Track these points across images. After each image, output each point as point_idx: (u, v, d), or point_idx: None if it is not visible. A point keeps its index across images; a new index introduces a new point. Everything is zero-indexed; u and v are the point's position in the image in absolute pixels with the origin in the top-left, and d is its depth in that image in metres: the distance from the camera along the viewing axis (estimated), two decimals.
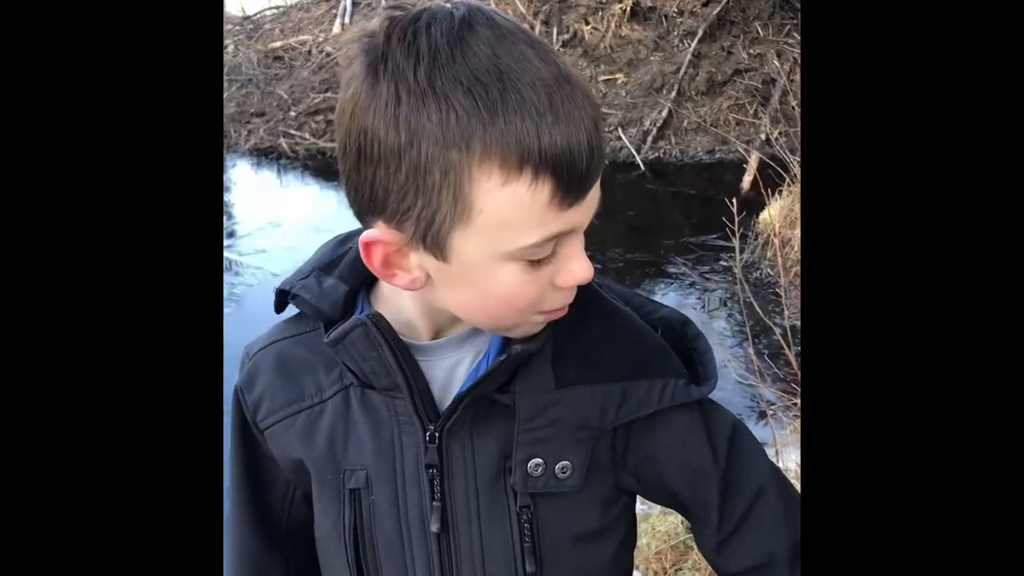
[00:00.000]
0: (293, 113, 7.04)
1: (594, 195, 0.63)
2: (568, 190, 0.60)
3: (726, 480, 0.77)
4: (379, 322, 0.70)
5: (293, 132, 6.88)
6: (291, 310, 0.80)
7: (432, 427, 0.73)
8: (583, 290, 0.71)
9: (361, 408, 0.76)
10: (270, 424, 0.81)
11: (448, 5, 0.61)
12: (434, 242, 0.62)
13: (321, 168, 6.62)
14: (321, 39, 7.92)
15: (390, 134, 0.58)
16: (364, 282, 0.77)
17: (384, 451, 0.75)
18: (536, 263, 0.63)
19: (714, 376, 0.76)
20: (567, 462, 0.73)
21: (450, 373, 0.75)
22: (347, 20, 8.21)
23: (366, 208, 0.64)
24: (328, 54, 7.61)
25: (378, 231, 0.64)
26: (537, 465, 0.73)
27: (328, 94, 7.14)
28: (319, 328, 0.77)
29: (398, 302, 0.74)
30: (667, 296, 4.54)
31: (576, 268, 0.66)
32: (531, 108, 0.57)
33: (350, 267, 0.76)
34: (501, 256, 0.62)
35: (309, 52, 7.77)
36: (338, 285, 0.75)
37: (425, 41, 0.58)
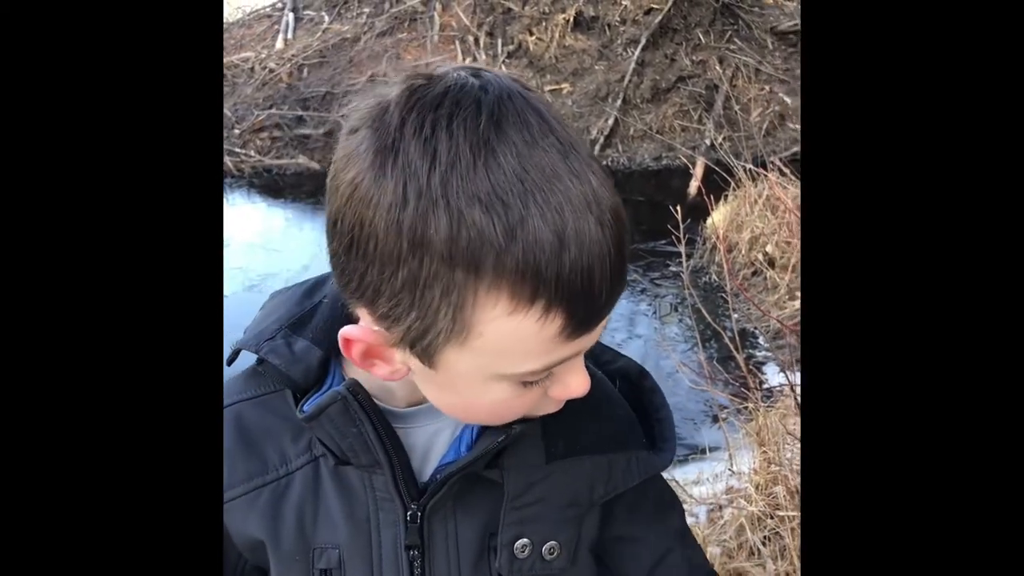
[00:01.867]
0: (237, 131, 6.94)
1: (608, 317, 0.58)
2: (581, 323, 0.54)
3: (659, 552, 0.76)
4: (358, 393, 0.64)
5: (237, 150, 6.77)
6: (242, 359, 0.72)
7: (414, 505, 0.68)
8: None
9: (333, 482, 0.70)
10: (228, 499, 0.71)
11: (476, 83, 0.53)
12: (423, 351, 0.57)
13: (268, 186, 6.53)
14: (264, 55, 7.83)
15: (390, 237, 0.51)
16: (334, 347, 0.68)
17: (359, 529, 0.69)
18: (532, 383, 0.59)
19: (673, 439, 0.73)
20: (555, 542, 0.69)
21: (430, 441, 0.70)
22: (290, 36, 8.13)
23: (352, 295, 0.57)
24: (271, 70, 7.53)
25: (360, 329, 0.59)
26: (524, 546, 0.68)
27: (272, 111, 7.05)
28: (282, 389, 0.71)
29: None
30: (620, 304, 4.56)
31: (573, 383, 0.61)
32: (553, 236, 0.50)
33: (324, 328, 0.69)
34: (494, 376, 0.58)
35: (252, 69, 7.67)
36: (311, 349, 0.68)
37: (445, 141, 0.50)
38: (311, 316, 0.70)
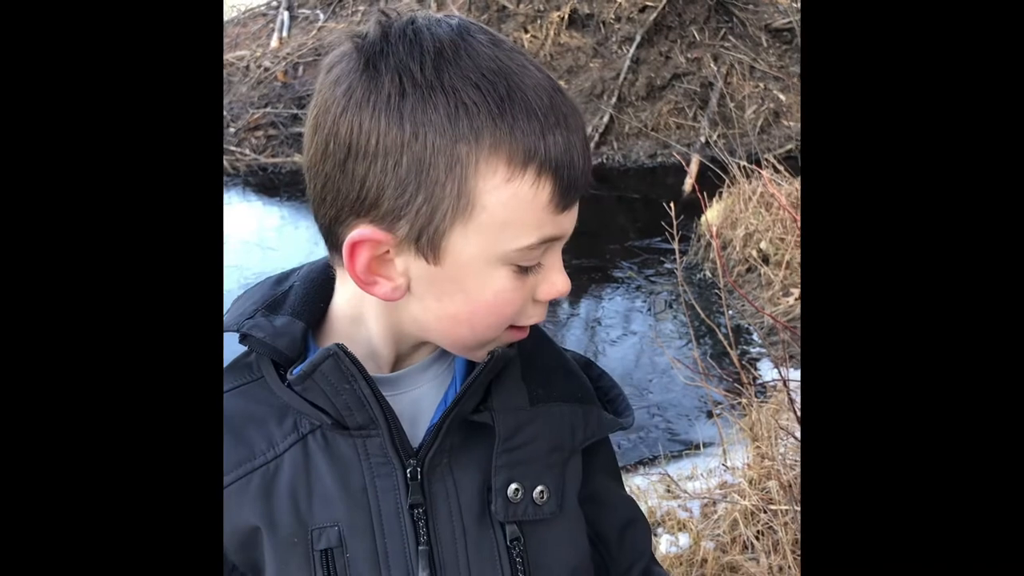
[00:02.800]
0: (232, 129, 6.94)
1: (576, 205, 0.65)
2: (565, 193, 0.61)
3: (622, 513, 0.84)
4: (349, 352, 0.66)
5: (233, 148, 6.77)
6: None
7: (413, 462, 0.69)
8: (534, 325, 0.72)
9: (325, 457, 0.70)
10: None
11: (439, 15, 0.62)
12: (429, 242, 0.61)
13: (263, 184, 6.53)
14: (259, 54, 7.83)
15: (392, 127, 0.58)
16: (312, 320, 0.72)
17: (356, 501, 0.69)
18: (524, 271, 0.64)
19: (631, 410, 0.80)
20: (543, 486, 0.71)
21: (415, 407, 0.72)
22: (285, 34, 8.13)
23: (349, 209, 0.62)
24: (266, 69, 7.52)
25: (368, 229, 0.62)
26: (516, 490, 0.70)
27: (267, 109, 7.05)
28: (260, 378, 0.72)
29: (355, 334, 0.71)
30: (614, 300, 4.58)
31: (558, 280, 0.67)
32: (536, 109, 0.59)
33: (302, 303, 0.72)
34: (496, 258, 0.62)
35: (247, 67, 7.67)
36: (293, 322, 0.70)
37: (429, 39, 0.59)
38: (285, 298, 0.73)
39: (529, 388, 0.73)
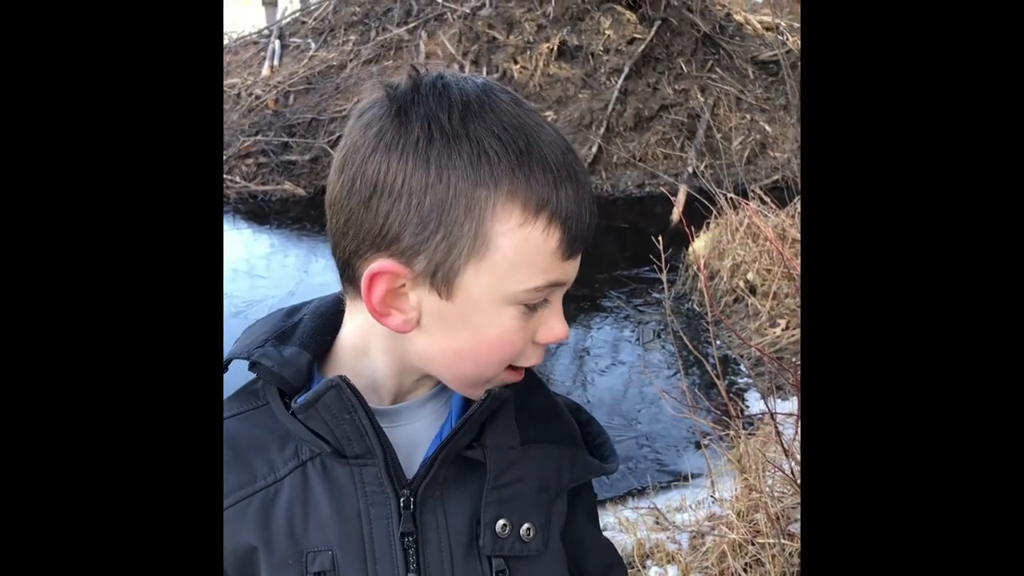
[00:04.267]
0: (223, 157, 6.96)
1: (580, 256, 0.69)
2: (572, 241, 0.66)
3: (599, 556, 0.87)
4: (350, 384, 0.69)
5: (224, 176, 6.79)
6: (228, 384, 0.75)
7: (406, 492, 0.72)
8: (529, 368, 0.76)
9: (322, 484, 0.73)
10: None
11: (464, 74, 0.68)
12: (444, 278, 0.66)
13: (253, 212, 6.54)
14: (250, 82, 7.87)
15: (418, 169, 0.63)
16: (319, 352, 0.75)
17: (350, 527, 0.72)
18: (529, 311, 0.68)
19: (615, 455, 0.83)
20: (530, 524, 0.74)
21: (412, 439, 0.75)
22: (276, 63, 8.18)
23: (370, 244, 0.66)
24: (257, 97, 7.56)
25: (387, 263, 0.66)
26: (504, 526, 0.73)
27: (258, 137, 7.08)
28: (265, 405, 0.75)
29: (359, 366, 0.74)
30: (603, 329, 4.60)
31: (556, 326, 0.71)
32: (551, 163, 0.65)
33: (310, 335, 0.75)
34: (504, 297, 0.67)
35: (238, 95, 7.70)
36: (300, 353, 0.74)
37: (456, 93, 0.65)
38: (294, 330, 0.76)
39: (521, 429, 0.76)
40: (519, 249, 0.65)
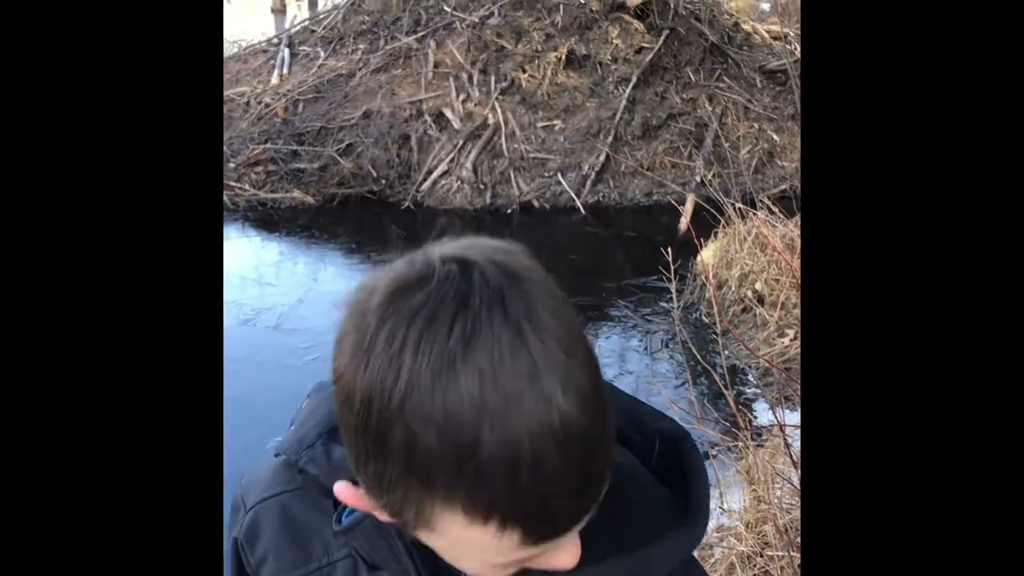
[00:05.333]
0: (232, 164, 6.99)
1: (575, 529, 0.57)
2: (541, 536, 0.54)
3: None
4: None
5: (233, 184, 6.82)
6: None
7: None
8: None
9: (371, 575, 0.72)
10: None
11: (460, 290, 0.52)
12: (402, 526, 0.58)
13: (262, 219, 6.57)
14: (260, 90, 7.91)
15: (359, 435, 0.54)
16: None
17: None
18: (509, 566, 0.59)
19: (706, 511, 0.70)
20: None
21: None
22: (285, 71, 8.23)
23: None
24: (267, 105, 7.61)
25: (352, 494, 0.61)
26: None
27: (268, 145, 7.12)
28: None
29: None
30: (610, 339, 4.60)
31: (559, 560, 0.59)
32: (506, 464, 0.50)
33: None
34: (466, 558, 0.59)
35: (248, 103, 7.75)
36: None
37: (408, 362, 0.51)
38: None
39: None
40: (468, 543, 0.55)
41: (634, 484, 0.70)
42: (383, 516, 0.60)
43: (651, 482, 0.71)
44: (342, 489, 0.61)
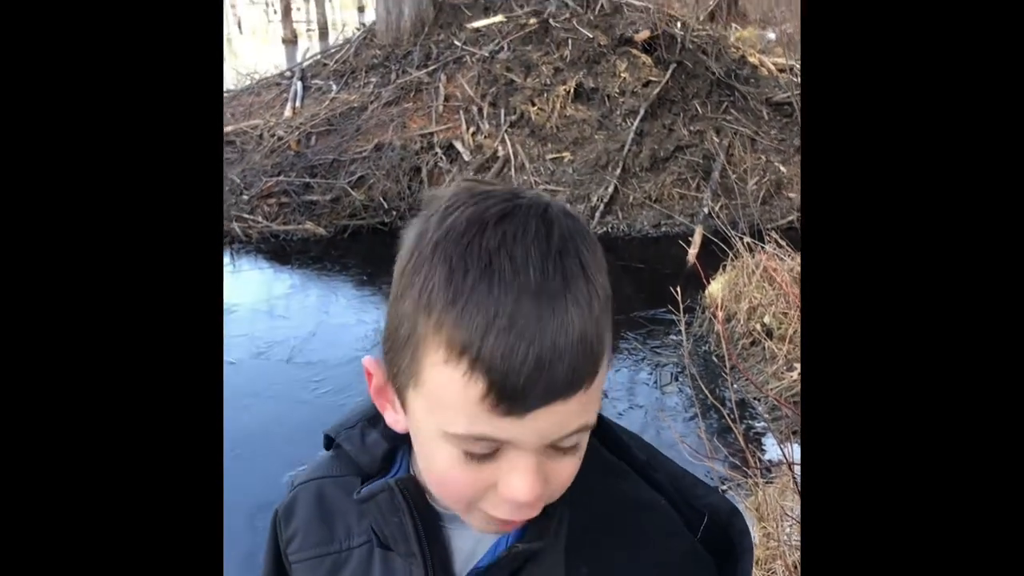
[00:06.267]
0: (245, 197, 7.08)
1: (548, 419, 0.60)
2: (501, 399, 0.58)
3: None
4: (408, 487, 0.70)
5: (246, 216, 6.91)
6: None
7: None
8: (617, 480, 0.72)
9: (381, 566, 0.76)
10: (297, 560, 0.83)
11: (532, 198, 0.62)
12: (397, 391, 0.66)
13: (275, 251, 6.64)
14: (272, 123, 8.02)
15: (396, 282, 0.63)
16: (407, 440, 0.73)
17: None
18: (474, 458, 0.62)
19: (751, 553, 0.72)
20: None
21: (475, 546, 0.74)
22: (298, 104, 8.34)
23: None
24: (280, 137, 7.71)
25: (374, 361, 0.69)
26: None
27: (280, 177, 7.20)
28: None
29: None
30: (620, 372, 4.63)
31: (513, 485, 0.62)
32: (491, 308, 0.57)
33: None
34: (440, 434, 0.62)
35: (260, 136, 7.85)
36: (379, 442, 0.77)
37: (459, 214, 0.61)
38: None
39: (569, 566, 0.69)
40: (441, 388, 0.60)
41: (656, 530, 0.72)
42: (387, 389, 0.68)
43: (684, 537, 0.73)
44: (369, 361, 0.69)
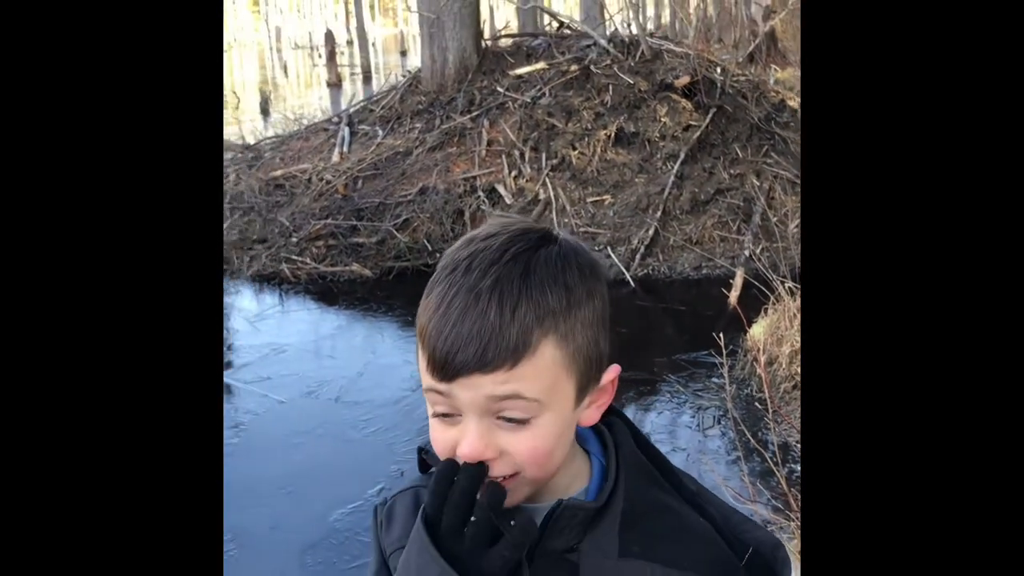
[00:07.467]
0: (295, 239, 7.30)
1: (472, 385, 0.74)
2: (435, 367, 0.75)
3: None
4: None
5: (295, 257, 7.11)
6: None
7: None
8: (668, 496, 0.81)
9: None
10: (397, 548, 0.88)
11: (537, 227, 0.80)
12: (421, 341, 0.80)
13: (322, 292, 6.81)
14: (321, 167, 8.27)
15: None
16: None
17: None
18: (442, 419, 0.78)
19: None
20: None
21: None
22: (345, 149, 8.59)
23: None
24: (328, 181, 7.94)
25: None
26: None
27: (328, 220, 7.41)
28: None
29: None
30: (663, 415, 4.67)
31: (461, 440, 0.77)
32: (439, 299, 0.75)
33: None
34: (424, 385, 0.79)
35: (309, 180, 8.10)
36: None
37: (469, 235, 0.79)
38: None
39: (625, 541, 0.77)
40: (421, 353, 0.77)
41: (699, 539, 0.80)
42: (422, 359, 0.79)
43: (724, 554, 0.80)
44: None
